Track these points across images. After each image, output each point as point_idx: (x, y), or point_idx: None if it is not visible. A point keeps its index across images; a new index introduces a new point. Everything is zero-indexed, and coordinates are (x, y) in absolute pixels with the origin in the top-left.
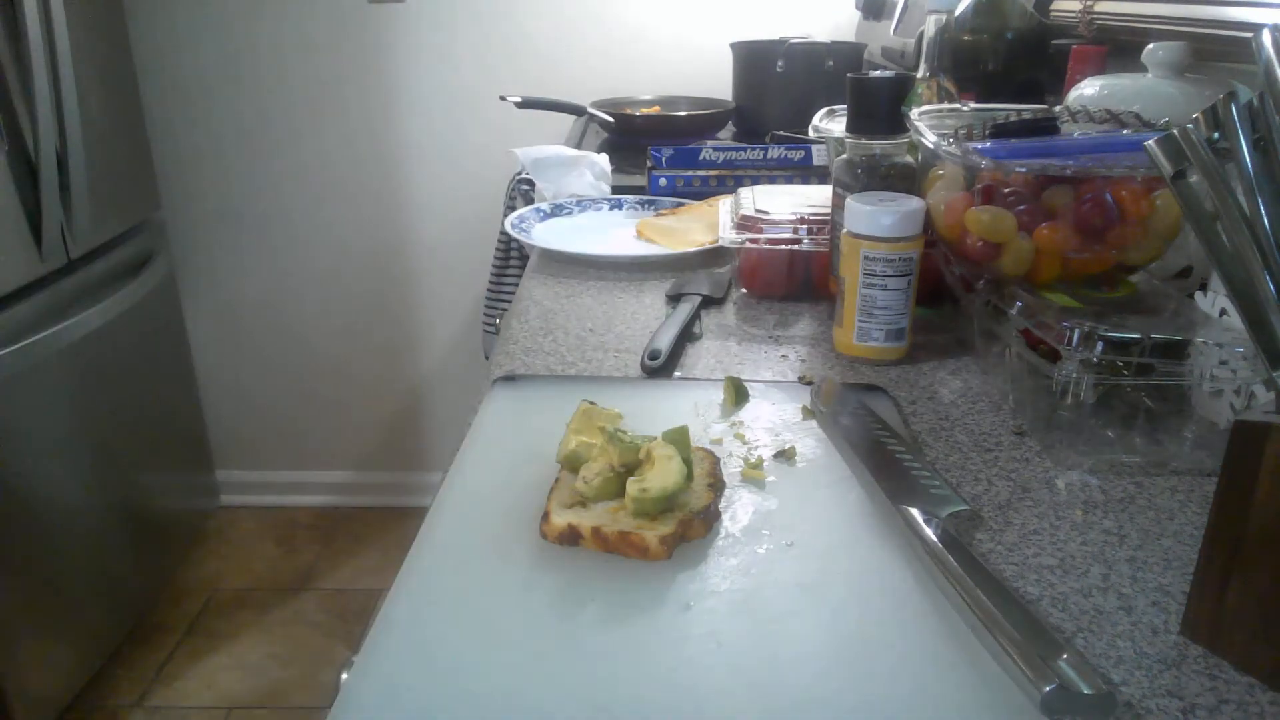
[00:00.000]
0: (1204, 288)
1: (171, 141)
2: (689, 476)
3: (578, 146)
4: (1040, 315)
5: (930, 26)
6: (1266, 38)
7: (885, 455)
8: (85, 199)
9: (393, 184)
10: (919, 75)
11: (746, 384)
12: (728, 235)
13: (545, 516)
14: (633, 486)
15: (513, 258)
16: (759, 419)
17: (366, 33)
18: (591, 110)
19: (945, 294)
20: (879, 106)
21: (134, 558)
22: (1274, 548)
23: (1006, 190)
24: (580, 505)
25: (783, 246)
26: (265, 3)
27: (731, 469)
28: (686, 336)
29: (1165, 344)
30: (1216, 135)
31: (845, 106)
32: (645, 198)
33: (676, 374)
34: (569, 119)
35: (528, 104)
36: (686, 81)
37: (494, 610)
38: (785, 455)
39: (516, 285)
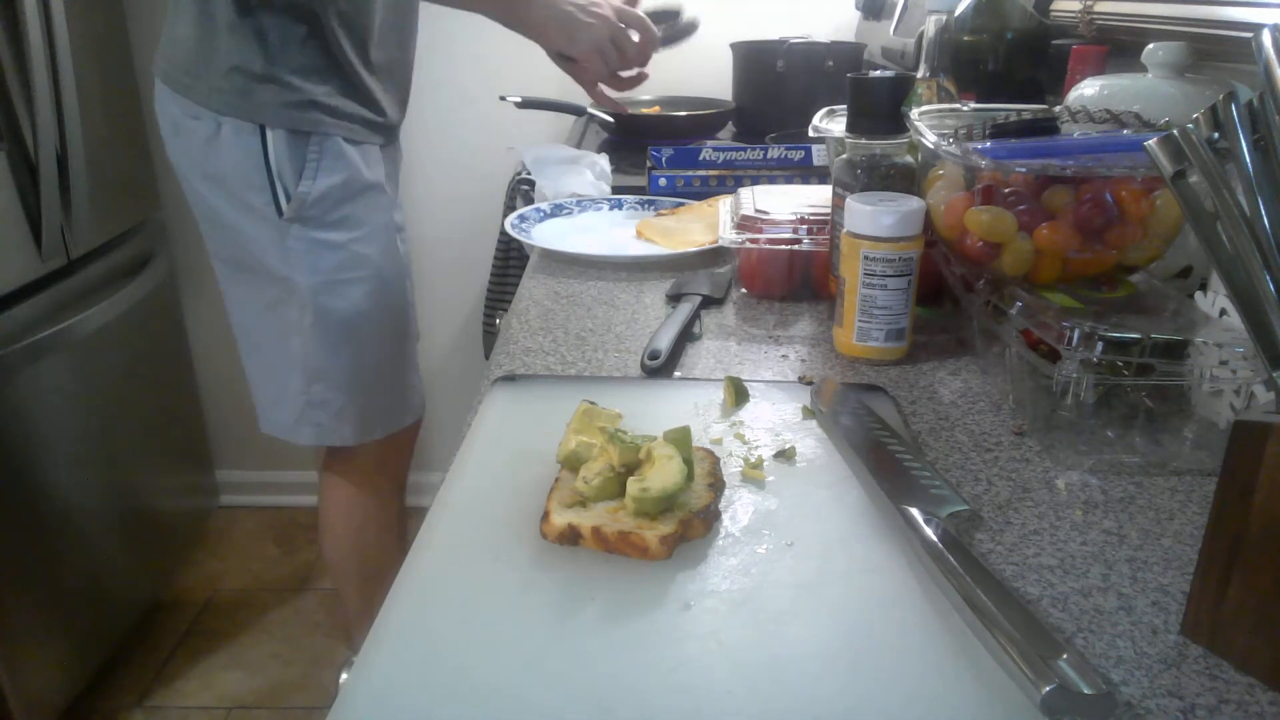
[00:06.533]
0: (1204, 288)
1: None
2: (689, 476)
3: (578, 146)
4: (1040, 315)
5: (930, 26)
6: (1266, 38)
7: (885, 455)
8: (85, 199)
9: None
10: (919, 75)
11: (746, 384)
12: (728, 235)
13: (545, 516)
14: (633, 486)
15: (513, 258)
16: (759, 419)
17: None
18: (591, 110)
19: (945, 294)
20: (879, 106)
21: (134, 558)
22: (1274, 548)
23: (1006, 190)
24: (580, 505)
25: (783, 246)
26: None
27: (731, 469)
28: (686, 336)
29: (1165, 344)
30: (1216, 135)
31: (845, 106)
32: (645, 198)
33: (676, 374)
34: (569, 119)
35: (528, 104)
36: (686, 81)
37: (494, 610)
38: (785, 455)
39: (516, 285)
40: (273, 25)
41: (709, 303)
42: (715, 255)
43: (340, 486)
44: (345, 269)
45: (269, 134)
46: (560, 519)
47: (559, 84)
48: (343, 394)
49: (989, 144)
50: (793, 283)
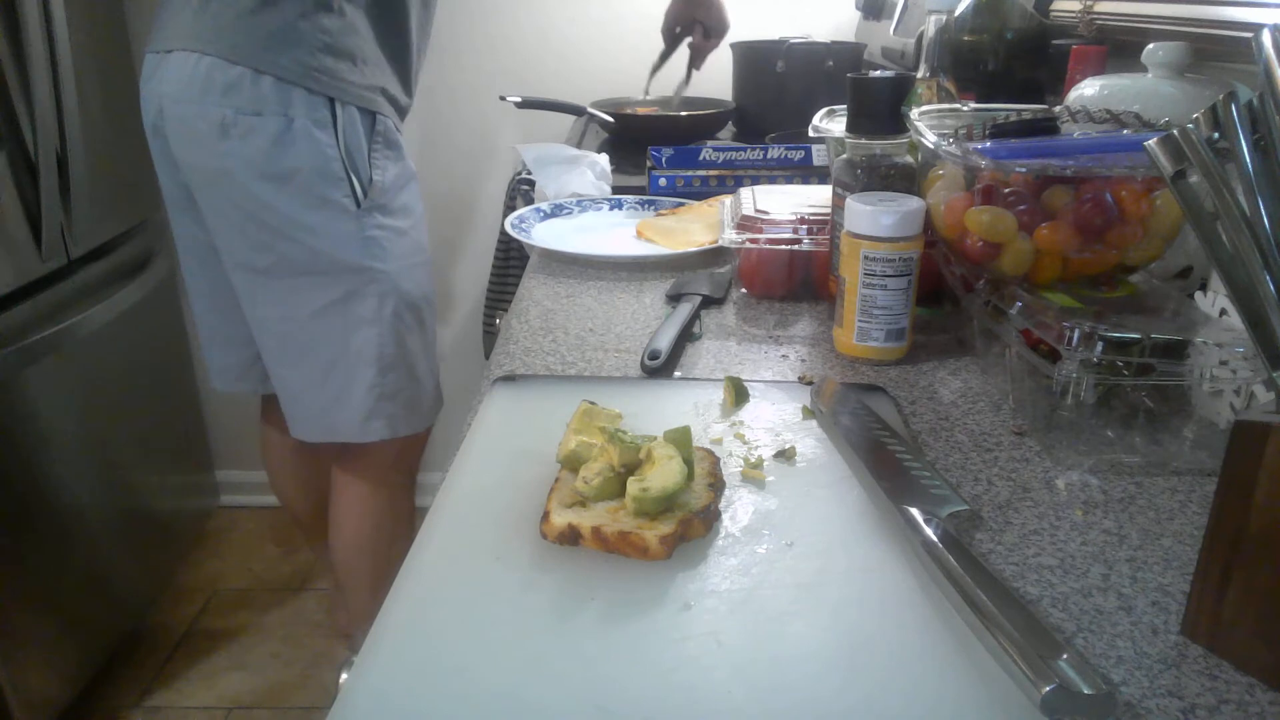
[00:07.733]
0: (1204, 288)
1: None
2: (689, 476)
3: (578, 146)
4: (1040, 315)
5: (930, 26)
6: (1266, 38)
7: (885, 455)
8: (85, 199)
9: None
10: (919, 75)
11: (746, 384)
12: (728, 235)
13: (545, 516)
14: (633, 486)
15: (513, 258)
16: (759, 419)
17: None
18: (591, 110)
19: (945, 294)
20: (879, 106)
21: (134, 558)
22: (1274, 548)
23: (1006, 190)
24: (580, 505)
25: (783, 246)
26: None
27: (731, 469)
28: (686, 336)
29: (1165, 344)
30: (1216, 135)
31: (845, 106)
32: (645, 198)
33: (676, 374)
34: (569, 119)
35: (528, 104)
36: None
37: (494, 610)
38: (785, 455)
39: (516, 285)
40: (370, 4)
41: (709, 303)
42: (715, 255)
43: (356, 484)
44: (413, 254)
45: (340, 122)
46: (560, 519)
47: (559, 84)
48: (413, 381)
49: (989, 144)
50: (793, 283)
